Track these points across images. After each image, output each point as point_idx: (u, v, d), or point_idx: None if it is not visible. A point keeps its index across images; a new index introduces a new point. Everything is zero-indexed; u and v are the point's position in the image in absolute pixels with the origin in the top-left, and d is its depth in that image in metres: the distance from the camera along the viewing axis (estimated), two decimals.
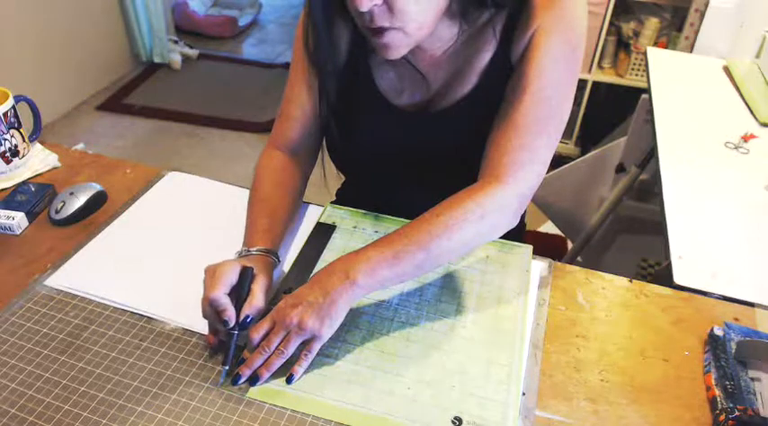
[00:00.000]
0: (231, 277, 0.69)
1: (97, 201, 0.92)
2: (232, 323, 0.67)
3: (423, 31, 0.71)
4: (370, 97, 0.87)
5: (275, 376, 0.66)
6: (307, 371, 0.67)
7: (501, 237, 0.83)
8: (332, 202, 1.00)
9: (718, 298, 0.82)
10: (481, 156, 0.77)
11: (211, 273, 0.69)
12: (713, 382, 0.67)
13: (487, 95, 0.80)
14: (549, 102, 0.74)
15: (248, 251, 0.75)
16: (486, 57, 0.80)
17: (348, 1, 0.67)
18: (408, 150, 0.86)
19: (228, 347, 0.67)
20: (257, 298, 0.69)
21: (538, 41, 0.74)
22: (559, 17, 0.74)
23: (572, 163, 1.96)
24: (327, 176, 0.96)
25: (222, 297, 0.67)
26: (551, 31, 0.74)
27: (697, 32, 1.96)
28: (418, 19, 0.69)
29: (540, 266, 0.83)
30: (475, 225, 0.70)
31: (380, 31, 0.70)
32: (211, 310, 0.67)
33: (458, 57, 0.82)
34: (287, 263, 0.82)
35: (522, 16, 0.75)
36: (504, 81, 0.78)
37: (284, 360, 0.66)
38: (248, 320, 0.68)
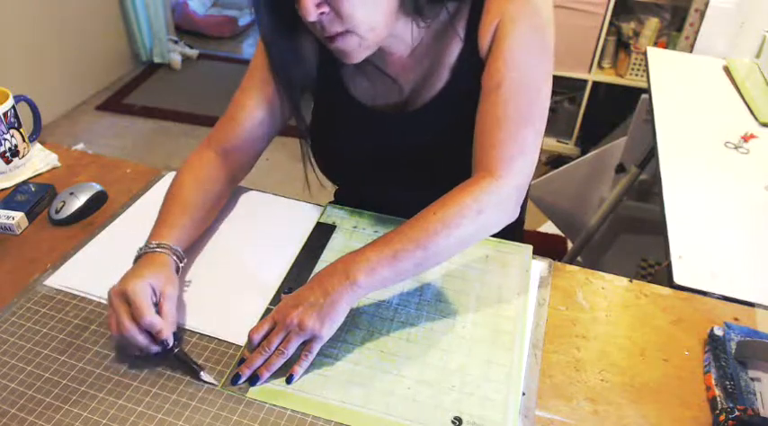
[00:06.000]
0: (150, 296, 0.67)
1: (97, 201, 0.92)
2: (172, 342, 0.66)
3: (377, 32, 0.71)
4: (346, 105, 0.87)
5: (275, 376, 0.66)
6: (307, 371, 0.67)
7: (501, 237, 0.83)
8: (330, 203, 1.00)
9: (718, 298, 0.82)
10: (464, 151, 0.78)
11: (124, 297, 0.66)
12: (713, 382, 0.67)
13: (460, 90, 0.80)
14: (527, 91, 0.74)
15: (148, 247, 0.73)
16: (454, 53, 0.80)
17: (300, 14, 0.68)
18: (392, 152, 0.86)
19: (185, 361, 0.66)
20: (171, 315, 0.68)
21: (504, 32, 0.75)
22: (523, 3, 0.74)
23: (572, 163, 1.96)
24: (316, 184, 0.93)
25: (155, 318, 0.65)
26: (516, 20, 0.74)
27: (697, 32, 1.96)
28: (368, 21, 0.69)
29: (540, 266, 0.83)
30: (473, 221, 0.70)
31: (334, 37, 0.70)
32: (144, 335, 0.65)
33: (426, 56, 0.82)
34: (287, 263, 0.82)
35: (485, 8, 0.76)
36: (475, 74, 0.78)
37: (284, 361, 0.66)
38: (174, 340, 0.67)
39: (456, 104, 0.81)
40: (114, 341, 0.69)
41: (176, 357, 0.67)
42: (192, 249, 0.82)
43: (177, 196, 0.80)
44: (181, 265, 0.75)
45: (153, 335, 0.66)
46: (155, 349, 0.66)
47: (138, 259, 0.73)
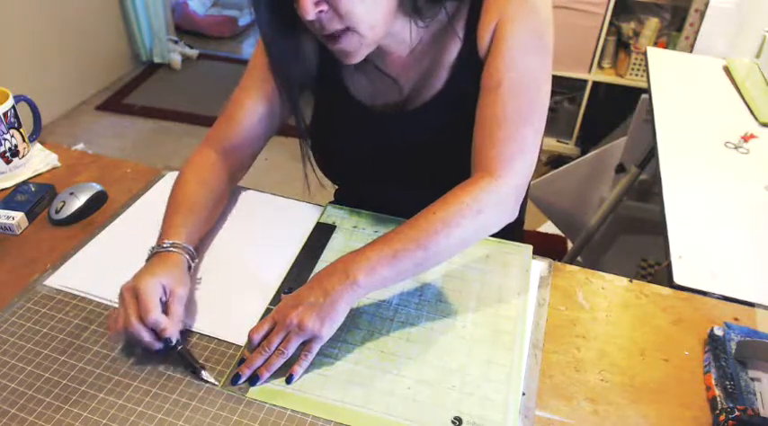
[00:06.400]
0: (159, 295, 0.68)
1: (97, 201, 0.92)
2: (176, 339, 0.66)
3: (376, 30, 0.71)
4: (345, 105, 0.87)
5: (275, 376, 0.66)
6: (307, 371, 0.67)
7: (501, 237, 0.83)
8: (330, 203, 1.00)
9: (718, 298, 0.82)
10: (464, 150, 0.78)
11: (134, 294, 0.67)
12: (713, 382, 0.67)
13: (459, 90, 0.80)
14: (526, 91, 0.74)
15: (161, 246, 0.73)
16: (453, 53, 0.80)
17: (299, 13, 0.68)
18: (391, 151, 0.87)
19: (187, 359, 0.67)
20: (178, 314, 0.68)
21: (503, 32, 0.75)
22: (521, 3, 0.74)
23: (572, 163, 1.96)
24: (316, 184, 0.93)
25: (160, 317, 0.66)
26: (515, 20, 0.74)
27: (697, 32, 1.96)
28: (367, 19, 0.69)
29: (540, 266, 0.83)
30: (472, 221, 0.70)
31: (334, 36, 0.71)
32: (148, 332, 0.66)
33: (425, 56, 0.82)
34: (287, 263, 0.82)
35: (484, 8, 0.76)
36: (474, 74, 0.78)
37: (284, 361, 0.66)
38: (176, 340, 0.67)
39: (455, 104, 0.81)
40: (118, 336, 0.69)
41: (179, 354, 0.67)
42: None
43: (183, 195, 0.80)
44: (193, 264, 0.76)
45: (157, 333, 0.66)
46: (158, 345, 0.66)
47: (150, 257, 0.74)
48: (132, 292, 0.67)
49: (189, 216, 0.78)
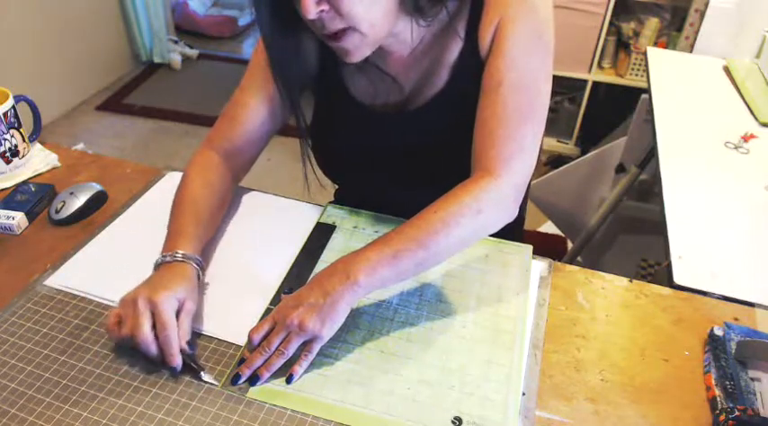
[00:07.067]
0: (175, 310, 0.68)
1: (97, 201, 0.92)
2: (180, 368, 0.65)
3: (376, 29, 0.71)
4: (345, 105, 0.87)
5: (275, 376, 0.66)
6: (307, 371, 0.67)
7: (501, 237, 0.83)
8: (330, 203, 1.00)
9: (718, 298, 0.82)
10: (464, 150, 0.78)
11: (149, 306, 0.66)
12: (713, 382, 0.67)
13: (460, 90, 0.81)
14: (526, 91, 0.74)
15: (173, 257, 0.72)
16: (454, 53, 0.80)
17: (301, 13, 0.68)
18: (391, 151, 0.87)
19: (188, 363, 0.66)
20: (184, 329, 0.68)
21: (503, 33, 0.75)
22: (521, 3, 0.74)
23: (572, 163, 1.96)
24: (316, 184, 0.93)
25: (173, 336, 0.65)
26: (516, 20, 0.75)
27: (697, 32, 1.96)
28: (368, 17, 0.69)
29: (540, 266, 0.83)
30: (472, 220, 0.70)
31: (336, 35, 0.71)
32: (156, 346, 0.65)
33: (426, 55, 0.82)
34: (287, 263, 0.82)
35: (485, 9, 0.76)
36: (475, 74, 0.78)
37: (284, 361, 0.66)
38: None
39: (456, 104, 0.81)
40: (119, 339, 0.68)
41: (181, 351, 0.66)
42: None
43: (190, 199, 0.80)
44: (202, 276, 0.75)
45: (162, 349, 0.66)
46: (156, 355, 0.66)
47: (160, 266, 0.73)
48: (148, 303, 0.66)
49: (197, 223, 0.78)
